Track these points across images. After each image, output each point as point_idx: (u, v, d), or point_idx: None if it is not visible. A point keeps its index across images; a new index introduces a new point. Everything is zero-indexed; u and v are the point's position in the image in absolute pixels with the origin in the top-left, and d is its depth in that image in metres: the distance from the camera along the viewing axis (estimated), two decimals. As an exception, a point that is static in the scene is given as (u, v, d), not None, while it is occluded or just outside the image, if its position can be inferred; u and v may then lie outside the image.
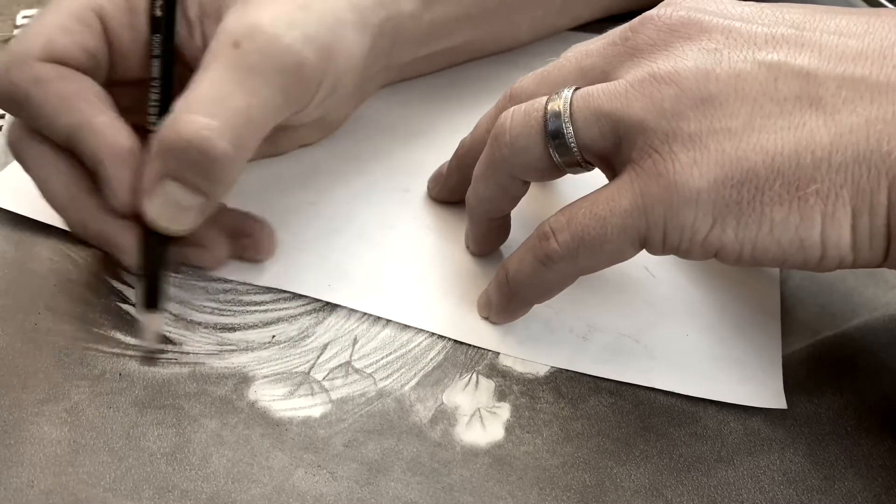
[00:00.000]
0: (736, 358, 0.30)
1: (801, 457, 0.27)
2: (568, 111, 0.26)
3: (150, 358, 0.28)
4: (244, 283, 0.31)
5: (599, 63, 0.28)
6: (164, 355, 0.29)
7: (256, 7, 0.29)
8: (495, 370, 0.29)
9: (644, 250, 0.26)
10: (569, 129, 0.26)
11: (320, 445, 0.26)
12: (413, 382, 0.28)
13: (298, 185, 0.35)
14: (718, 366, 0.29)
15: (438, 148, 0.36)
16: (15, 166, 0.34)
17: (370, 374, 0.29)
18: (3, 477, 0.25)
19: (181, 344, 0.29)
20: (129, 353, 0.29)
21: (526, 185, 0.29)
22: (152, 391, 0.27)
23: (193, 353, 0.29)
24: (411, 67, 0.39)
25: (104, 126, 0.27)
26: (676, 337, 0.30)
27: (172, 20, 0.29)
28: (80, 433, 0.26)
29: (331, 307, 0.31)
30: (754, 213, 0.24)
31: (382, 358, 0.29)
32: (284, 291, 0.31)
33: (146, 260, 0.28)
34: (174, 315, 0.30)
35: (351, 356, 0.29)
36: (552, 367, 0.29)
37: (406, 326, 0.30)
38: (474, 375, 0.29)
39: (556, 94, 0.27)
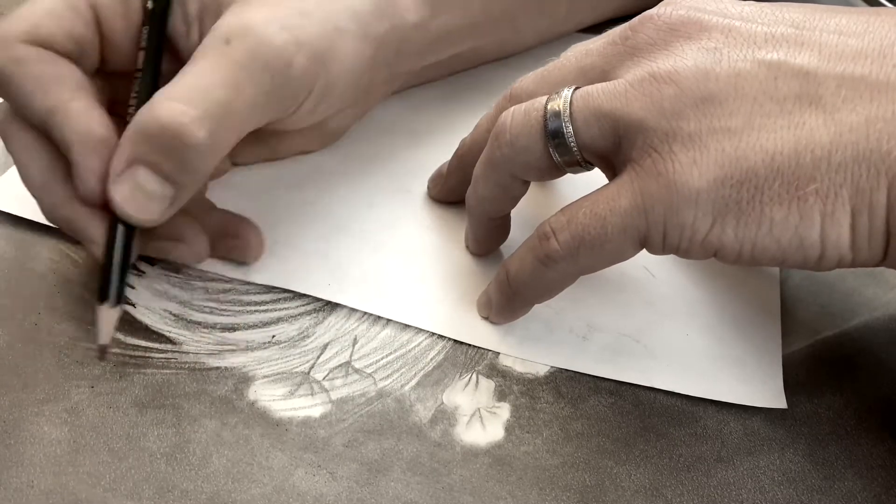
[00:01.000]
0: (736, 358, 0.30)
1: (801, 457, 0.27)
2: (568, 111, 0.26)
3: (101, 354, 0.27)
4: (244, 283, 0.31)
5: (599, 62, 0.28)
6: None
7: (253, 8, 0.29)
8: (495, 370, 0.29)
9: (644, 250, 0.26)
10: (568, 129, 0.26)
11: (320, 445, 0.26)
12: (413, 382, 0.28)
13: (299, 184, 0.35)
14: (718, 365, 0.29)
15: (439, 148, 0.36)
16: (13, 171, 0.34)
17: (370, 374, 0.29)
18: (3, 477, 0.25)
19: (181, 344, 0.29)
20: (130, 353, 0.29)
21: (526, 184, 0.29)
22: (152, 391, 0.27)
23: (193, 353, 0.29)
24: (416, 76, 0.39)
25: (78, 112, 0.27)
26: (676, 337, 0.30)
27: (165, 14, 0.29)
28: (80, 433, 0.26)
29: (331, 307, 0.31)
30: (754, 213, 0.24)
31: (382, 358, 0.29)
32: (285, 291, 0.31)
33: (107, 251, 0.27)
34: (174, 315, 0.30)
35: (351, 356, 0.29)
36: (552, 367, 0.29)
37: (406, 326, 0.30)
38: (474, 375, 0.29)
39: (556, 93, 0.27)
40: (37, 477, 0.25)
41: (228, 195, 0.33)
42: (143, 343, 0.29)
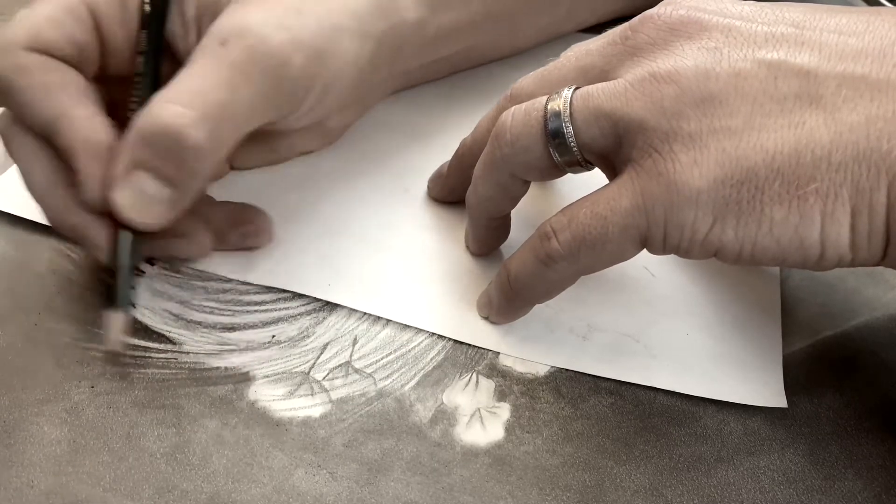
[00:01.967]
0: (736, 357, 0.30)
1: (801, 457, 0.27)
2: (568, 111, 0.26)
3: (112, 359, 0.28)
4: (244, 283, 0.31)
5: (599, 62, 0.28)
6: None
7: (249, 8, 0.29)
8: (495, 370, 0.29)
9: (644, 250, 0.26)
10: (569, 129, 0.26)
11: (320, 445, 0.26)
12: (413, 382, 0.28)
13: (298, 185, 0.35)
14: (719, 365, 0.29)
15: (439, 148, 0.36)
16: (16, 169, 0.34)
17: (370, 374, 0.29)
18: (3, 477, 0.25)
19: (181, 344, 0.29)
20: (130, 353, 0.29)
21: (526, 184, 0.29)
22: (152, 391, 0.27)
23: (193, 353, 0.29)
24: (415, 75, 0.39)
25: (81, 119, 0.27)
26: (677, 336, 0.30)
27: (162, 17, 0.29)
28: (80, 433, 0.26)
29: (331, 307, 0.31)
30: (754, 213, 0.24)
31: (382, 358, 0.29)
32: (284, 291, 0.31)
33: (113, 256, 0.28)
34: (174, 315, 0.30)
35: (351, 356, 0.29)
36: (552, 366, 0.29)
37: (406, 326, 0.30)
38: (474, 375, 0.29)
39: (556, 93, 0.27)
40: (37, 477, 0.25)
41: (228, 196, 0.33)
42: (143, 343, 0.29)
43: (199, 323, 0.30)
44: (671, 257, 0.29)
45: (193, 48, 0.28)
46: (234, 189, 0.34)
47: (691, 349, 0.30)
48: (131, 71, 0.29)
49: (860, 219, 0.23)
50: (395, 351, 0.29)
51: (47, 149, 0.28)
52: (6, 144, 0.29)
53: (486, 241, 0.32)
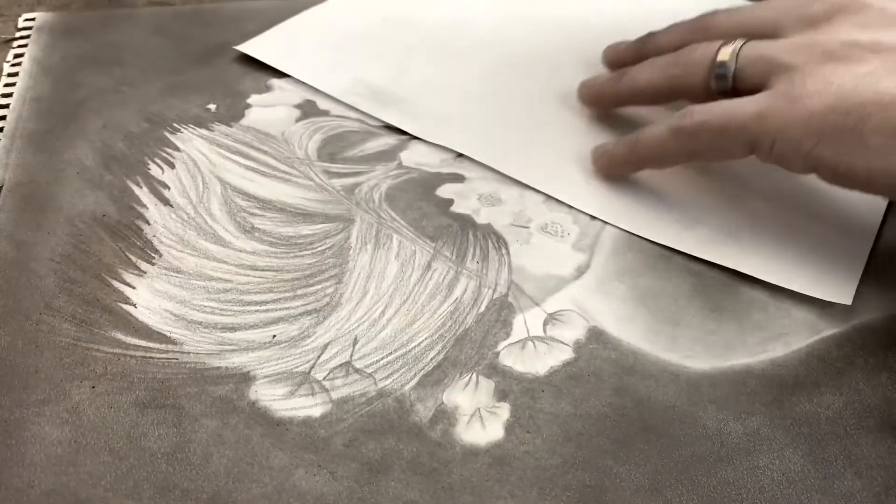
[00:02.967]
0: (821, 253, 0.33)
1: (801, 457, 0.27)
2: (735, 57, 0.33)
3: None
4: (244, 283, 0.31)
5: (774, 18, 0.34)
6: (164, 355, 0.29)
7: None
8: (495, 370, 0.29)
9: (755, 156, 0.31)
10: (731, 68, 0.33)
11: (320, 445, 0.26)
12: (413, 382, 0.28)
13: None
14: (802, 254, 0.33)
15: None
16: (281, 29, 0.44)
17: (370, 374, 0.29)
18: (3, 477, 0.25)
19: (181, 344, 0.29)
20: (130, 353, 0.29)
21: (671, 99, 0.36)
22: (153, 391, 0.27)
23: (194, 353, 0.29)
24: None
25: None
26: (772, 230, 0.34)
27: None
28: (80, 433, 0.26)
29: (331, 307, 0.31)
30: (854, 138, 0.28)
31: (382, 358, 0.29)
32: (285, 291, 0.31)
33: None
34: (175, 315, 0.30)
35: (351, 356, 0.29)
36: (555, 364, 0.29)
37: (407, 326, 0.30)
38: (474, 375, 0.29)
39: (729, 42, 0.34)
40: (37, 477, 0.25)
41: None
42: (144, 343, 0.29)
43: (200, 323, 0.30)
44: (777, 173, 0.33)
45: None
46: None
47: (782, 241, 0.33)
48: None
49: None
50: (395, 351, 0.29)
51: None
52: None
53: (612, 103, 0.39)
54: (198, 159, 0.37)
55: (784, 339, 0.31)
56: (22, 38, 0.45)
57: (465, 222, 0.35)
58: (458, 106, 0.40)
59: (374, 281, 0.32)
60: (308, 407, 0.27)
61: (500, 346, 0.30)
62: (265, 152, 0.38)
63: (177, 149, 0.38)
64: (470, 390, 0.28)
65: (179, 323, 0.30)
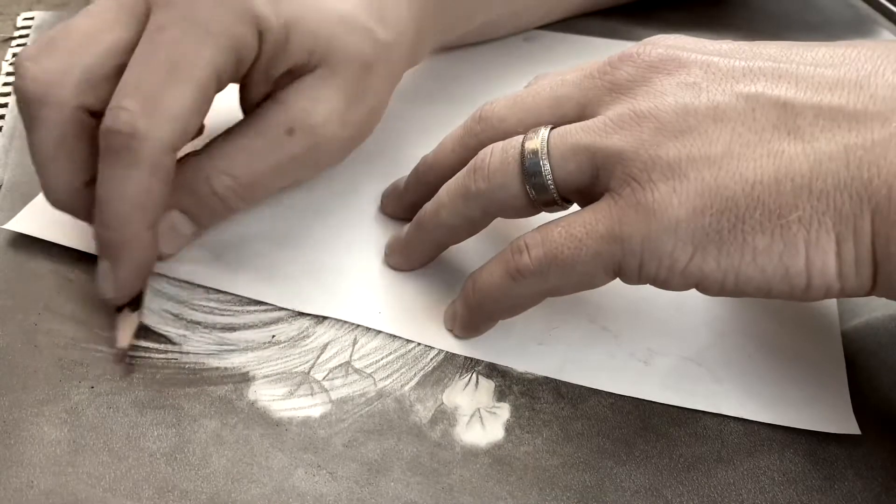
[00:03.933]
0: (800, 380, 0.29)
1: (801, 457, 0.27)
2: (545, 148, 0.26)
3: (119, 358, 0.28)
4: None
5: (576, 94, 0.28)
6: (141, 357, 0.29)
7: (318, 97, 0.30)
8: (495, 370, 0.29)
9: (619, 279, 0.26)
10: (546, 166, 0.26)
11: (320, 445, 0.26)
12: (413, 382, 0.28)
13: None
14: (784, 389, 0.28)
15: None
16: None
17: (370, 374, 0.29)
18: (2, 477, 0.25)
19: (181, 344, 0.29)
20: (130, 353, 0.29)
21: (488, 222, 0.29)
22: (152, 391, 0.27)
23: (193, 353, 0.29)
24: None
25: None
26: (738, 358, 0.30)
27: None
28: (80, 433, 0.26)
29: (331, 307, 0.31)
30: (736, 242, 0.23)
31: (382, 358, 0.29)
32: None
33: None
34: (174, 315, 0.30)
35: (351, 356, 0.29)
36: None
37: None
38: (474, 375, 0.29)
39: (534, 131, 0.27)
40: (37, 477, 0.25)
41: None
42: (143, 343, 0.29)
43: (199, 323, 0.30)
44: None
45: (259, 98, 0.30)
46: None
47: (755, 373, 0.29)
48: None
49: (845, 246, 0.23)
50: (395, 351, 0.29)
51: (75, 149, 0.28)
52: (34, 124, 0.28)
53: (419, 261, 0.32)
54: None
55: (784, 339, 0.30)
56: (21, 36, 0.45)
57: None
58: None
59: (374, 281, 0.32)
60: (307, 407, 0.27)
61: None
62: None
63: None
64: (470, 390, 0.28)
65: (178, 323, 0.30)
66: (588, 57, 0.29)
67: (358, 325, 0.30)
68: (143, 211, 0.27)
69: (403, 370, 0.29)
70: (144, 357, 0.29)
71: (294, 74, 0.30)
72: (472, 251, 0.32)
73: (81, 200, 0.28)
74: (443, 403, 0.28)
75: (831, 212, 0.23)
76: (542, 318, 0.30)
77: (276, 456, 0.26)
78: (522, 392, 0.28)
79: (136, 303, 0.29)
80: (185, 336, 0.29)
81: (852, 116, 0.23)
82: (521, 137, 0.27)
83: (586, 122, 0.26)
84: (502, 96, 0.30)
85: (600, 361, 0.29)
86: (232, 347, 0.29)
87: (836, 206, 0.23)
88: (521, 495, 0.25)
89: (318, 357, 0.29)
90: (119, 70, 0.27)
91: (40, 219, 0.33)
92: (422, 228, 0.31)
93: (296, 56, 0.29)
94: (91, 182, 0.27)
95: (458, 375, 0.29)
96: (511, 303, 0.28)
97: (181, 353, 0.29)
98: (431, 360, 0.29)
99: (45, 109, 0.27)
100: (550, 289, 0.27)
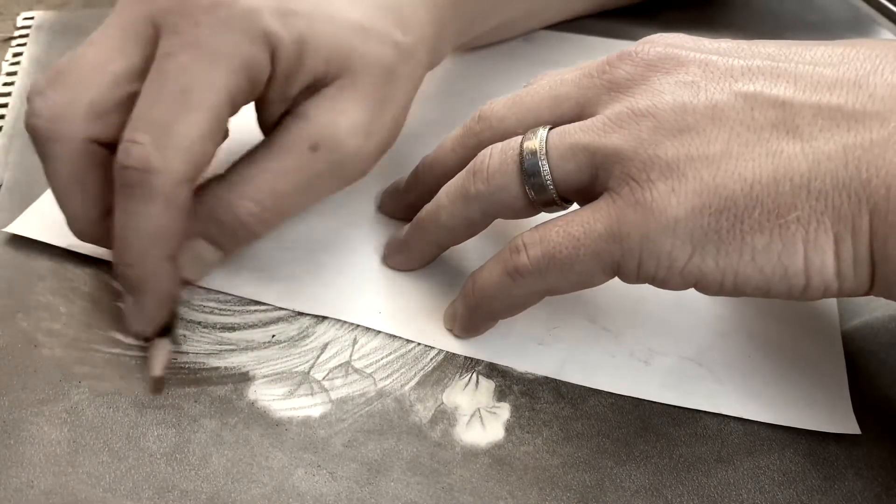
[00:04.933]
0: (800, 380, 0.29)
1: (801, 457, 0.27)
2: (544, 148, 0.26)
3: (156, 388, 0.28)
4: (244, 283, 0.31)
5: (574, 93, 0.28)
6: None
7: (339, 111, 0.28)
8: (495, 370, 0.29)
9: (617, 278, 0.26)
10: (544, 166, 0.26)
11: (320, 445, 0.26)
12: (413, 382, 0.28)
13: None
14: (783, 389, 0.28)
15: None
16: (46, 197, 0.33)
17: (370, 374, 0.29)
18: (2, 477, 0.25)
19: (181, 344, 0.29)
20: (130, 353, 0.29)
21: (488, 223, 0.29)
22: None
23: (193, 353, 0.29)
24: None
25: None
26: (738, 358, 0.29)
27: None
28: (79, 433, 0.26)
29: (331, 307, 0.31)
30: (734, 241, 0.23)
31: (382, 358, 0.29)
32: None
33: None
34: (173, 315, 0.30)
35: (351, 356, 0.29)
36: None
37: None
38: (474, 375, 0.29)
39: (532, 132, 0.27)
40: (36, 477, 0.25)
41: None
42: (143, 343, 0.29)
43: (199, 323, 0.30)
44: None
45: (277, 116, 0.29)
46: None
47: (755, 373, 0.29)
48: None
49: (844, 246, 0.23)
50: (395, 351, 0.29)
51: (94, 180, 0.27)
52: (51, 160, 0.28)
53: (419, 262, 0.32)
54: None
55: (784, 339, 0.30)
56: (21, 36, 0.45)
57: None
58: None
59: (374, 280, 0.32)
60: (307, 407, 0.27)
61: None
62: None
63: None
64: (470, 390, 0.28)
65: (179, 323, 0.30)
66: (588, 57, 0.29)
67: (358, 325, 0.30)
68: (161, 245, 0.26)
69: (403, 370, 0.29)
70: (144, 357, 0.28)
71: (313, 88, 0.29)
72: (472, 251, 0.32)
73: (103, 230, 0.28)
74: (443, 403, 0.28)
75: (830, 211, 0.23)
76: (542, 318, 0.30)
77: (276, 456, 0.26)
78: (522, 392, 0.28)
79: (167, 330, 0.28)
80: (185, 336, 0.29)
81: (851, 116, 0.23)
82: (519, 138, 0.27)
83: (585, 121, 0.26)
84: (503, 97, 0.30)
85: (600, 361, 0.29)
86: (232, 347, 0.29)
87: (835, 206, 0.23)
88: (521, 495, 0.25)
89: (318, 357, 0.29)
90: (129, 99, 0.26)
91: (42, 222, 0.33)
92: (421, 229, 0.31)
93: (312, 70, 0.28)
94: (111, 212, 0.27)
95: (458, 375, 0.29)
96: (510, 302, 0.28)
97: (181, 353, 0.29)
98: (431, 360, 0.29)
99: (55, 145, 0.27)
100: (549, 288, 0.27)
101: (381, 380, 0.28)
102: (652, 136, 0.25)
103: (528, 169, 0.26)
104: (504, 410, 0.28)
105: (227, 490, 0.25)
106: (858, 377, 0.29)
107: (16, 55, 0.43)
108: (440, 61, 0.35)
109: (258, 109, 0.30)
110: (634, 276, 0.25)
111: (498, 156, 0.27)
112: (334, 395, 0.28)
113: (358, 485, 0.25)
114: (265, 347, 0.29)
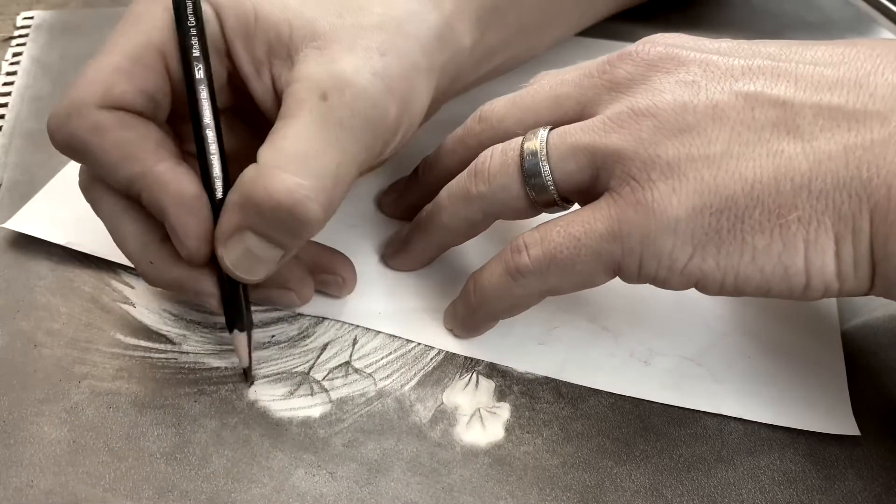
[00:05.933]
0: (800, 381, 0.29)
1: (801, 457, 0.27)
2: (544, 149, 0.26)
3: (246, 378, 0.28)
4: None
5: (574, 93, 0.28)
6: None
7: (336, 54, 0.26)
8: (495, 370, 0.29)
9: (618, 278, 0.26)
10: (545, 167, 0.26)
11: (320, 445, 0.26)
12: (413, 382, 0.28)
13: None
14: (783, 390, 0.28)
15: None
16: (44, 194, 0.33)
17: (370, 374, 0.29)
18: (3, 477, 0.25)
19: (181, 344, 0.29)
20: (129, 353, 0.29)
21: (488, 224, 0.29)
22: (152, 391, 0.27)
23: (193, 353, 0.29)
24: (451, 96, 0.36)
25: (165, 173, 0.26)
26: (738, 359, 0.29)
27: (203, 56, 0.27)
28: (79, 433, 0.26)
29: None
30: (735, 241, 0.23)
31: (382, 358, 0.29)
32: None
33: (225, 287, 0.27)
34: (174, 315, 0.30)
35: (351, 356, 0.29)
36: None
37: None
38: (474, 375, 0.29)
39: (533, 133, 0.27)
40: (37, 477, 0.25)
41: None
42: (143, 343, 0.29)
43: (199, 323, 0.30)
44: None
45: (267, 89, 0.27)
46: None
47: (755, 373, 0.29)
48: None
49: (844, 246, 0.23)
50: (395, 351, 0.29)
51: (134, 206, 0.27)
52: (91, 202, 0.28)
53: (419, 262, 0.32)
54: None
55: (784, 339, 0.30)
56: (20, 36, 0.45)
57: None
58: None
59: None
60: (307, 407, 0.27)
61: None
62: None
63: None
64: (470, 390, 0.28)
65: (178, 323, 0.30)
66: (588, 57, 0.29)
67: (358, 325, 0.30)
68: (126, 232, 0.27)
69: (403, 370, 0.29)
70: (144, 357, 0.29)
71: (292, 49, 0.27)
72: (472, 251, 0.32)
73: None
74: (443, 403, 0.28)
75: (830, 211, 0.23)
76: (542, 318, 0.30)
77: (276, 456, 0.26)
78: (522, 392, 0.28)
79: (240, 322, 0.27)
80: (184, 336, 0.29)
81: (852, 115, 0.23)
82: (520, 139, 0.27)
83: (585, 121, 0.26)
84: (503, 97, 0.30)
85: (600, 361, 0.29)
86: (232, 347, 0.29)
87: (836, 206, 0.23)
88: (521, 495, 0.25)
89: (318, 357, 0.29)
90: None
91: (39, 218, 0.33)
92: (422, 230, 0.30)
93: (271, 30, 0.27)
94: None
95: (458, 375, 0.29)
96: (511, 302, 0.28)
97: (181, 352, 0.29)
98: (431, 360, 0.29)
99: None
100: (550, 288, 0.27)
101: (381, 380, 0.28)
102: (652, 135, 0.24)
103: (528, 169, 0.26)
104: (504, 410, 0.28)
105: (227, 490, 0.25)
106: (858, 377, 0.29)
107: (16, 55, 0.43)
108: (459, 59, 0.33)
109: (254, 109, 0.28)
110: (635, 276, 0.25)
111: (499, 157, 0.27)
112: (334, 395, 0.28)
113: (358, 485, 0.25)
114: (265, 348, 0.29)
